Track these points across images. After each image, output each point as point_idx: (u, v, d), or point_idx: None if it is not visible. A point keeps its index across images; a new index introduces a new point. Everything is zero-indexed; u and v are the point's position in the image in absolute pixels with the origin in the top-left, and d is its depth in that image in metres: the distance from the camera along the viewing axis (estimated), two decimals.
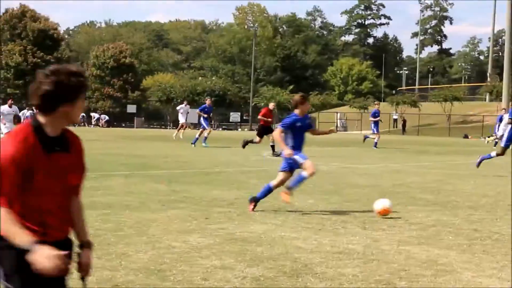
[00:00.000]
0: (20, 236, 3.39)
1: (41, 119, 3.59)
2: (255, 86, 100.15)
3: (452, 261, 7.41)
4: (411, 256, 7.68)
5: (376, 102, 39.98)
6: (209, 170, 18.44)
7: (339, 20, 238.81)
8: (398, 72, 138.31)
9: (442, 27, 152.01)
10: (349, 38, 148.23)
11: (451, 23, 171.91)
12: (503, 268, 7.14)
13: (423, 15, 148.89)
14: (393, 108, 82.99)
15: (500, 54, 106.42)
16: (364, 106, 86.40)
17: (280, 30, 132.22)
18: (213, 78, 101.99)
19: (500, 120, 38.04)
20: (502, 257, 7.68)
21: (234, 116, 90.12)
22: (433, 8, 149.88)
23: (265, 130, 26.43)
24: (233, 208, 11.04)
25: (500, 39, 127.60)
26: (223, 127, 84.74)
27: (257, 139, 26.24)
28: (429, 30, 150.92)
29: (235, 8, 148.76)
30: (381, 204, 10.58)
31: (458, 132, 67.96)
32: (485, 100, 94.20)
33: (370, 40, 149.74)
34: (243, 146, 26.40)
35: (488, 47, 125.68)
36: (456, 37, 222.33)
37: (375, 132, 33.69)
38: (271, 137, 25.31)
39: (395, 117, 79.67)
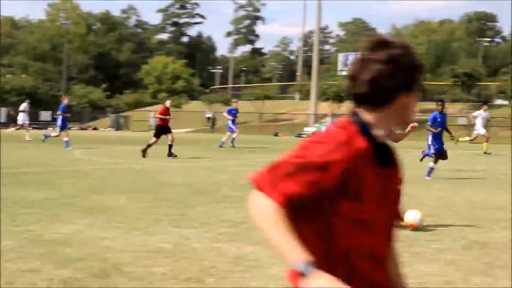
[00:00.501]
0: (294, 250, 2.30)
1: (367, 116, 2.43)
2: (68, 84, 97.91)
3: (260, 257, 7.56)
4: (221, 252, 7.77)
5: (234, 100, 39.81)
6: (18, 170, 17.79)
7: (154, 19, 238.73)
8: (212, 71, 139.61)
9: (255, 27, 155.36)
10: (164, 36, 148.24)
11: (263, 23, 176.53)
12: None
13: (236, 15, 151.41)
14: (206, 106, 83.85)
15: (310, 54, 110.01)
16: (178, 105, 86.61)
17: (93, 27, 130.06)
18: (23, 75, 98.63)
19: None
20: None
21: (45, 115, 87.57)
22: (246, 8, 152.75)
23: (163, 130, 25.53)
24: (41, 209, 10.70)
25: (309, 40, 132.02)
26: (33, 126, 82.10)
27: (153, 140, 25.23)
28: (242, 30, 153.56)
29: (47, 4, 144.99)
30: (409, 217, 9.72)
31: (269, 130, 69.61)
32: (295, 99, 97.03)
33: (185, 39, 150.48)
34: (144, 155, 24.85)
35: (298, 47, 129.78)
36: (268, 36, 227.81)
37: (233, 129, 33.56)
38: (170, 137, 24.85)
39: (208, 115, 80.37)
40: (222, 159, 24.64)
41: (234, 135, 33.11)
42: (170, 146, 24.84)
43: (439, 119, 18.82)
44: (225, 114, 33.86)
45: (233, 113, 33.16)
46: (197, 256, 7.52)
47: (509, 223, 10.57)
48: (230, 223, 9.89)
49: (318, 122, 71.08)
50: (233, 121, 33.04)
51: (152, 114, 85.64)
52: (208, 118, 79.62)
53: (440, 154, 18.65)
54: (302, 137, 62.63)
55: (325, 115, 69.70)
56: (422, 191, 15.06)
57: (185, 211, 10.86)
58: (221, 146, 32.47)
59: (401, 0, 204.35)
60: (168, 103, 26.77)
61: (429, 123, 18.85)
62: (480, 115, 31.67)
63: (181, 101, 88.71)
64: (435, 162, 18.68)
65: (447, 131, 19.73)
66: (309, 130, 67.94)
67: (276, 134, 66.20)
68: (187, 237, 8.64)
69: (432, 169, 18.63)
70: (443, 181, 18.03)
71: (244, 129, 74.10)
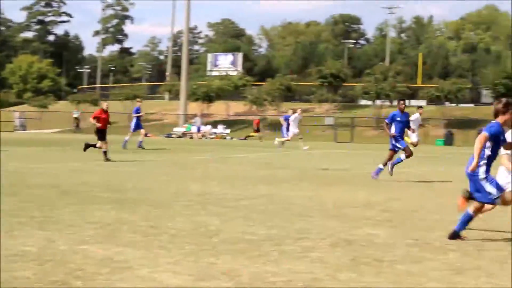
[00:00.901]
0: None
1: None
2: None
3: (129, 258, 7.45)
4: (88, 255, 7.60)
5: (138, 99, 39.55)
6: None
7: (19, 16, 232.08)
8: (79, 70, 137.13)
9: (123, 26, 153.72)
10: (29, 34, 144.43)
11: (132, 23, 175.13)
12: (178, 262, 7.31)
13: (104, 14, 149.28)
14: (74, 106, 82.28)
15: (179, 54, 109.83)
16: (44, 105, 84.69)
17: None
18: None
19: (286, 119, 39.38)
20: (177, 252, 7.87)
21: None
22: (114, 7, 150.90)
23: (102, 133, 24.34)
24: None
25: (178, 40, 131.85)
26: None
27: (99, 143, 24.19)
28: (110, 29, 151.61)
29: None
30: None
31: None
32: (165, 99, 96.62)
33: (51, 38, 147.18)
34: (85, 149, 23.67)
35: (168, 47, 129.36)
36: (137, 36, 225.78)
37: (133, 130, 33.34)
38: (104, 144, 23.82)
39: (75, 115, 78.84)
40: (89, 160, 24.19)
41: (140, 138, 33.36)
42: (105, 153, 23.94)
43: (398, 118, 18.34)
44: (133, 114, 33.97)
45: (138, 112, 33.60)
46: (63, 259, 7.33)
47: (374, 220, 10.88)
48: (98, 224, 9.71)
49: (187, 122, 71.09)
50: (138, 120, 33.34)
51: (17, 114, 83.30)
52: (76, 118, 78.20)
53: (405, 150, 18.57)
54: (171, 137, 62.43)
55: (194, 115, 69.77)
56: (290, 190, 15.30)
57: (51, 213, 10.59)
58: (140, 147, 32.68)
59: (270, 1, 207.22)
60: (105, 105, 25.67)
61: (387, 121, 18.50)
62: (417, 119, 30.44)
63: (47, 101, 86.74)
64: (407, 156, 18.65)
65: (409, 129, 19.67)
66: (178, 130, 67.84)
67: (146, 135, 65.57)
68: (53, 240, 8.42)
69: (399, 161, 18.78)
70: (311, 180, 18.36)
71: (113, 130, 73.19)
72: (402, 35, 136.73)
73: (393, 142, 18.43)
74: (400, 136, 18.48)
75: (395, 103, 74.12)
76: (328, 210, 11.97)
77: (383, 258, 7.78)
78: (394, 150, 18.57)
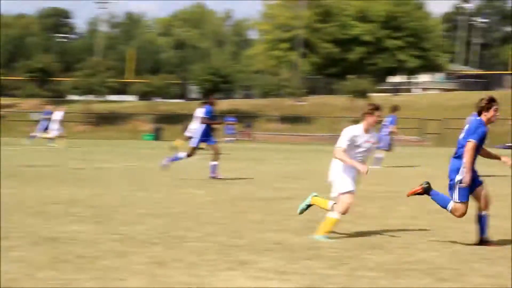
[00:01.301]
0: None
1: None
2: None
3: None
4: None
5: None
6: None
7: None
8: None
9: None
10: None
11: None
12: None
13: None
14: None
15: None
16: None
17: None
18: None
19: (47, 114, 36.96)
20: None
21: None
22: None
23: None
24: None
25: None
26: None
27: None
28: None
29: None
30: None
31: None
32: None
33: None
34: None
35: None
36: None
37: None
38: None
39: None
40: None
41: None
42: None
43: (212, 113, 18.57)
44: None
45: None
46: None
47: (78, 216, 10.76)
48: None
49: None
50: None
51: None
52: None
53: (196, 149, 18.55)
54: None
55: None
56: None
57: None
58: None
59: None
60: None
61: (207, 116, 18.38)
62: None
63: None
64: (190, 155, 18.42)
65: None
66: None
67: None
68: None
69: (178, 158, 18.49)
70: (14, 177, 17.76)
71: None
72: (114, 30, 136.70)
73: (205, 136, 18.56)
74: (211, 130, 18.89)
75: (110, 98, 74.22)
76: (30, 208, 11.62)
77: (86, 254, 7.69)
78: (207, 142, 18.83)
